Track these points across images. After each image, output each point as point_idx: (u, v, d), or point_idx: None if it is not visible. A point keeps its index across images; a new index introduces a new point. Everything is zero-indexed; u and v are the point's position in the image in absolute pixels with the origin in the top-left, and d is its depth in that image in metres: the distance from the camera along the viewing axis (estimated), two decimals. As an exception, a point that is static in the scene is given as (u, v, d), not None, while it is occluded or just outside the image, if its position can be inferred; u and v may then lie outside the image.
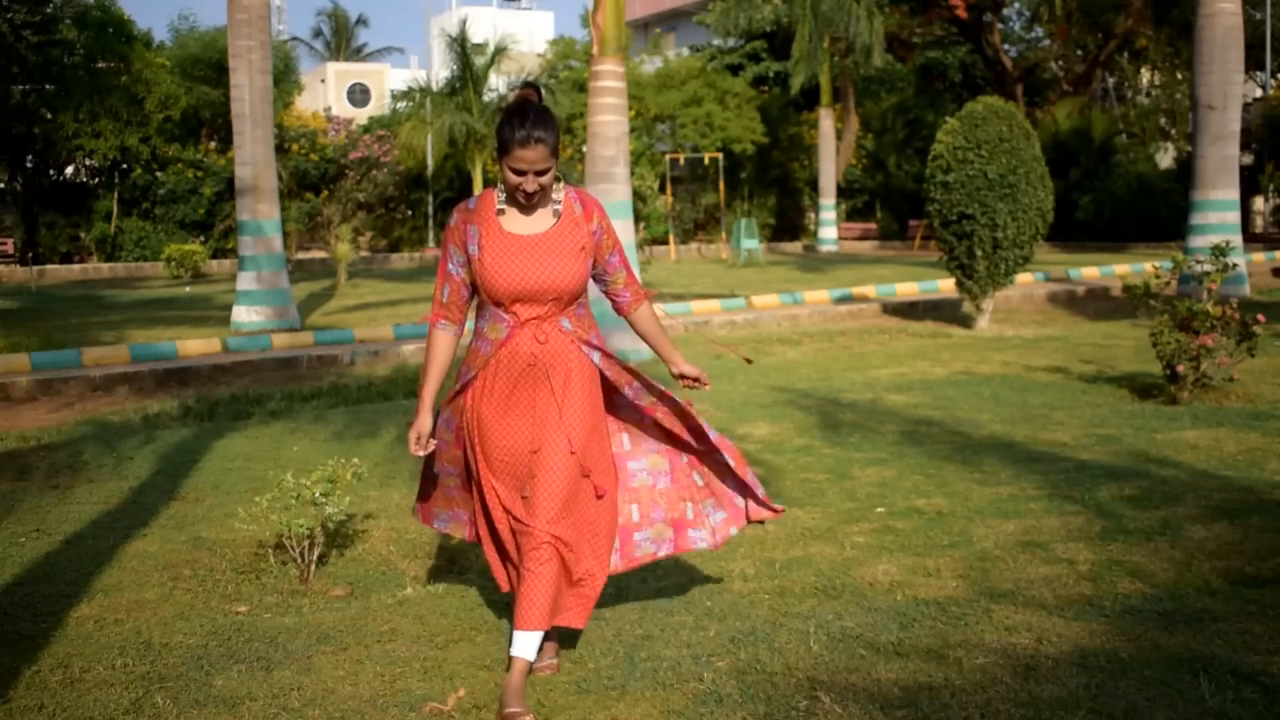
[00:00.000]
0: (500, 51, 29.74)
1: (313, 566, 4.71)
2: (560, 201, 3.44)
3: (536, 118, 3.30)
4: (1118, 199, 29.63)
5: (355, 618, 4.25)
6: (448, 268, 3.47)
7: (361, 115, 41.13)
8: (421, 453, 3.46)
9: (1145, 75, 37.63)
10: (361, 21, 59.53)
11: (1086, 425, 7.31)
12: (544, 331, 3.40)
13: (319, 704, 3.47)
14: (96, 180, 30.10)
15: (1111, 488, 5.64)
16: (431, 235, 33.25)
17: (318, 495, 4.67)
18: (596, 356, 3.50)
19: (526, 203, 3.37)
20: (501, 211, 3.42)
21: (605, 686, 3.54)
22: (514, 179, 3.34)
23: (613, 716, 3.34)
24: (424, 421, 3.48)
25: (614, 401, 3.67)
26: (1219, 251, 8.19)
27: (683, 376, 3.71)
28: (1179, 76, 34.13)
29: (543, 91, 3.77)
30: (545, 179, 3.34)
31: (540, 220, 3.43)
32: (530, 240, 3.38)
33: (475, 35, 31.49)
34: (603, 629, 4.04)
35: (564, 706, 3.42)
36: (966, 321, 13.83)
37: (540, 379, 3.41)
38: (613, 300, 3.65)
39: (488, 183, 30.45)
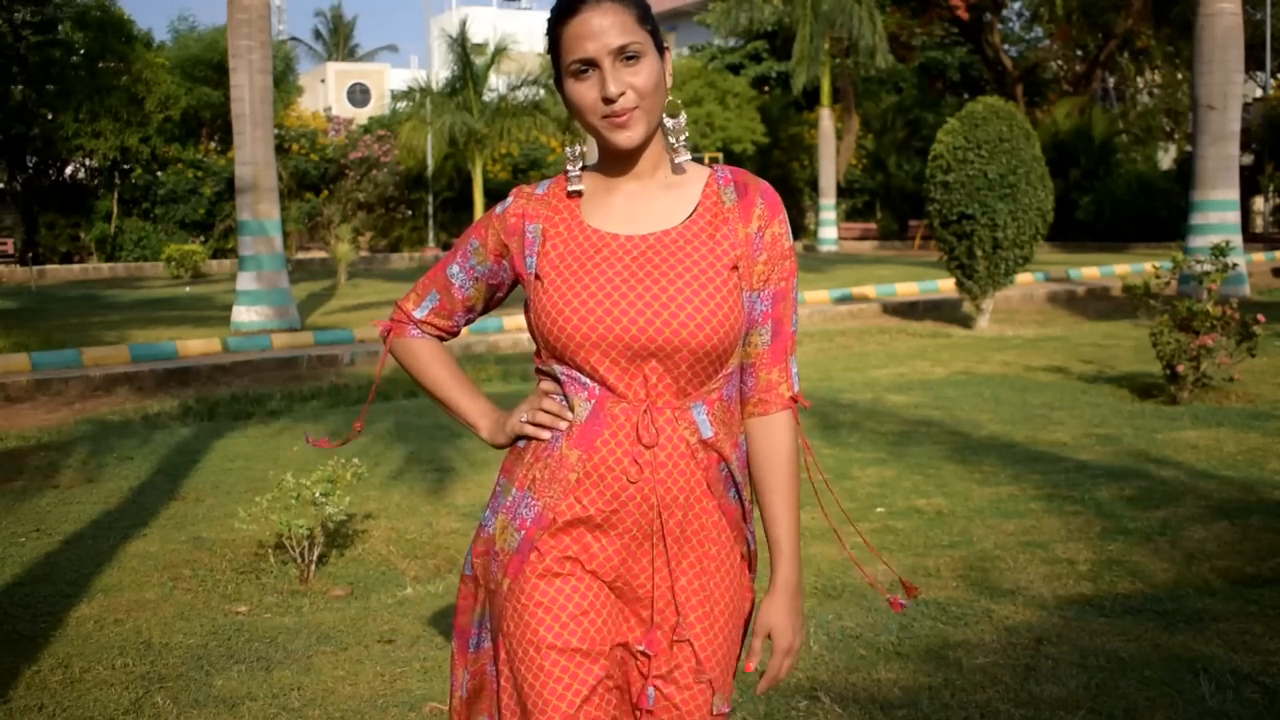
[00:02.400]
0: (500, 51, 29.72)
1: (313, 566, 4.71)
2: (683, 169, 1.88)
3: None
4: (1118, 199, 29.62)
5: (355, 618, 4.25)
6: (449, 271, 1.95)
7: (361, 115, 41.12)
8: (547, 414, 1.83)
9: (1146, 75, 37.62)
10: (348, 24, 59.41)
11: (1086, 425, 7.30)
12: (655, 427, 1.78)
13: (319, 704, 3.47)
14: (96, 180, 30.10)
15: (1111, 488, 5.64)
16: (431, 235, 33.25)
17: (318, 495, 4.67)
18: (736, 499, 1.89)
19: (618, 130, 1.78)
20: (577, 193, 1.88)
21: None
22: (585, 92, 1.79)
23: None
24: (494, 413, 1.97)
25: None
26: (1219, 252, 8.19)
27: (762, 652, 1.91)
28: (1179, 76, 34.13)
29: None
30: (640, 76, 1.77)
31: (666, 204, 1.85)
32: (640, 245, 1.80)
33: (475, 35, 31.48)
34: (603, 629, 4.04)
35: (564, 706, 3.42)
36: (966, 321, 13.83)
37: (643, 526, 1.80)
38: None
39: (488, 183, 30.51)
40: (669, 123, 1.85)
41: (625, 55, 1.77)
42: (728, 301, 1.77)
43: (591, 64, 1.77)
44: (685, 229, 1.81)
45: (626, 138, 1.79)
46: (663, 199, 1.85)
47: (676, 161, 1.86)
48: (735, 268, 1.80)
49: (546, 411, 1.83)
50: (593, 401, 1.79)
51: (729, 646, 1.86)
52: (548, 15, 1.87)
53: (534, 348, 1.88)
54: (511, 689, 1.78)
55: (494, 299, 1.97)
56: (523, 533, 1.80)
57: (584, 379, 1.79)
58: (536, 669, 1.74)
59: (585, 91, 1.78)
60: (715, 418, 1.81)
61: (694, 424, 1.79)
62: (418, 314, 1.99)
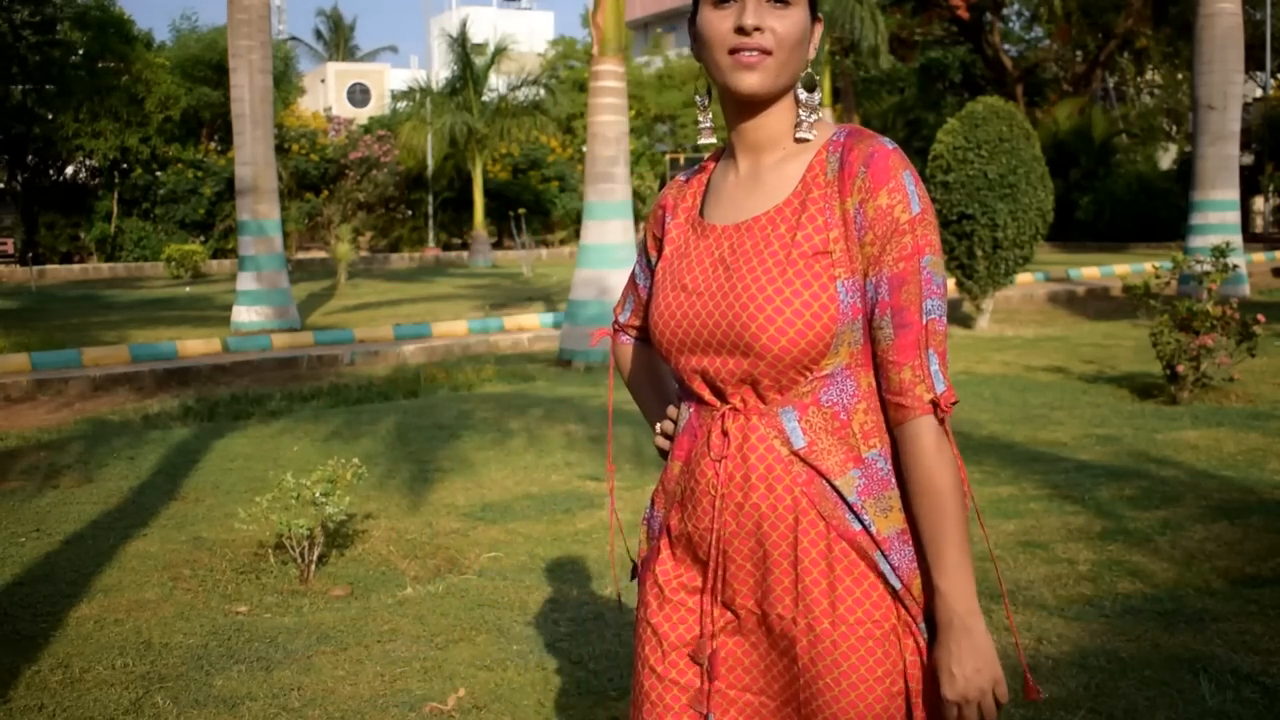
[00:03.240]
0: (500, 51, 29.75)
1: (313, 566, 4.71)
2: (810, 135, 1.63)
3: None
4: (1118, 199, 29.63)
5: (355, 618, 4.25)
6: (634, 272, 1.90)
7: (361, 115, 41.16)
8: (662, 432, 1.81)
9: (1146, 75, 37.62)
10: (348, 24, 59.45)
11: (1086, 425, 7.31)
12: (744, 435, 1.60)
13: (319, 704, 3.47)
14: (96, 180, 30.12)
15: (1111, 488, 5.64)
16: (431, 235, 33.25)
17: (318, 495, 4.67)
18: (856, 523, 1.57)
19: (752, 63, 1.56)
20: (703, 169, 1.77)
21: (605, 687, 3.54)
22: (717, 21, 1.58)
23: (612, 716, 3.34)
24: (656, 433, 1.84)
25: None
26: (1219, 252, 8.19)
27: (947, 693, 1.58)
28: (1179, 77, 34.13)
29: None
30: (785, 26, 1.55)
31: (774, 184, 1.64)
32: (729, 235, 1.65)
33: (475, 35, 31.51)
34: (603, 630, 4.04)
35: (564, 706, 3.42)
36: (966, 321, 13.83)
37: (747, 548, 1.61)
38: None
39: (488, 183, 30.50)
40: (803, 95, 1.62)
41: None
42: (806, 293, 1.54)
43: None
44: (776, 213, 1.60)
45: (751, 82, 1.56)
46: (772, 178, 1.64)
47: (798, 136, 1.62)
48: (827, 252, 1.56)
49: (666, 433, 1.78)
50: (690, 409, 1.67)
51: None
52: None
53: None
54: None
55: None
56: (651, 541, 1.74)
57: (689, 386, 1.66)
58: (638, 683, 1.70)
59: (719, 21, 1.56)
60: (810, 425, 1.56)
61: (783, 433, 1.57)
62: (622, 318, 1.93)
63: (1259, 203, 32.12)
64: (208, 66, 29.29)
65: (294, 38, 53.12)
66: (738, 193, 1.66)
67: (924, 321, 1.55)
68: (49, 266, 27.88)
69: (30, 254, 28.47)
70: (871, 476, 1.57)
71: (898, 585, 1.56)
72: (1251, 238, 25.89)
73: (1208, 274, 8.31)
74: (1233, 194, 15.80)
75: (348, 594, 4.57)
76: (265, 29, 13.94)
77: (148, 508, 5.86)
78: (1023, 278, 16.26)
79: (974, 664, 1.55)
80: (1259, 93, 33.19)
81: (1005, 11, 35.36)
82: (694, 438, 1.65)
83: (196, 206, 29.57)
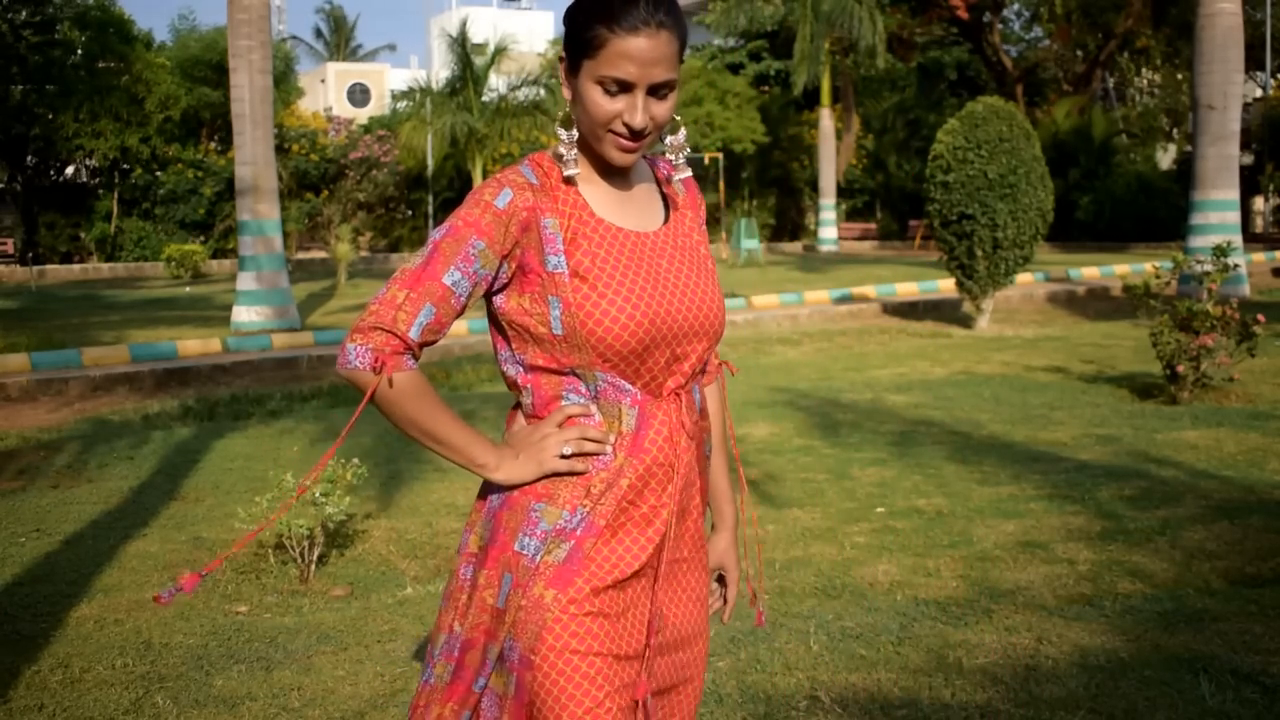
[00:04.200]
0: (500, 51, 29.73)
1: (313, 566, 4.71)
2: (646, 167, 1.89)
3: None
4: (1118, 199, 29.63)
5: (355, 618, 4.25)
6: (445, 280, 1.70)
7: (362, 115, 41.13)
8: (590, 441, 1.75)
9: (1146, 75, 37.62)
10: (349, 24, 59.44)
11: (1086, 425, 7.31)
12: (687, 415, 1.81)
13: (319, 704, 3.47)
14: (96, 180, 30.12)
15: (1111, 488, 5.64)
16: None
17: (318, 495, 4.67)
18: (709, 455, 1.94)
19: (620, 156, 1.74)
20: (572, 181, 1.78)
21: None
22: (606, 105, 1.70)
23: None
24: (511, 448, 1.78)
25: None
26: (1220, 252, 8.19)
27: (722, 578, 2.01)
28: (1179, 77, 34.13)
29: None
30: (663, 109, 1.73)
31: (647, 201, 1.85)
32: (651, 243, 1.79)
33: (475, 35, 31.49)
34: (603, 629, 4.03)
35: (564, 706, 3.42)
36: (966, 321, 13.83)
37: (676, 510, 1.80)
38: None
39: (488, 183, 30.46)
40: (669, 140, 1.84)
41: (660, 92, 1.72)
42: (718, 288, 1.85)
43: (627, 87, 1.70)
44: (675, 223, 1.84)
45: (627, 160, 1.76)
46: (641, 194, 1.85)
47: (677, 179, 1.89)
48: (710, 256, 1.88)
49: (591, 440, 1.73)
50: (637, 407, 1.75)
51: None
52: (591, 9, 1.71)
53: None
54: (523, 694, 1.70)
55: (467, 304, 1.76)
56: (571, 543, 1.72)
57: (626, 385, 1.74)
58: (571, 671, 1.68)
59: (607, 105, 1.70)
60: (701, 393, 1.88)
61: (693, 403, 1.83)
62: (413, 335, 1.70)
63: (1259, 203, 32.13)
64: (208, 66, 29.27)
65: (294, 37, 53.16)
66: (623, 203, 1.80)
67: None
68: (49, 266, 27.88)
69: (30, 254, 28.47)
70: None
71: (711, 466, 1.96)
72: (1251, 238, 25.89)
73: (1208, 274, 8.30)
74: (1233, 194, 15.80)
75: (348, 594, 4.57)
76: (265, 29, 13.94)
77: (148, 508, 5.86)
78: (1023, 278, 16.26)
79: (722, 552, 1.99)
80: (1259, 93, 33.19)
81: (1005, 11, 35.36)
82: (646, 430, 1.74)
83: (196, 206, 29.56)
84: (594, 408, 1.75)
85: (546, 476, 1.74)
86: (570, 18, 1.73)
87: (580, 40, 1.70)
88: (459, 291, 1.71)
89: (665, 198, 1.87)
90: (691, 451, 1.80)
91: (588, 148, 1.78)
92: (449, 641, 1.80)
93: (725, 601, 1.99)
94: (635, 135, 1.72)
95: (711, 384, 1.95)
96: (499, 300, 1.78)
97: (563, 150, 1.76)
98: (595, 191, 1.79)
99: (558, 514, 1.73)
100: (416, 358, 1.73)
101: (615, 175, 1.81)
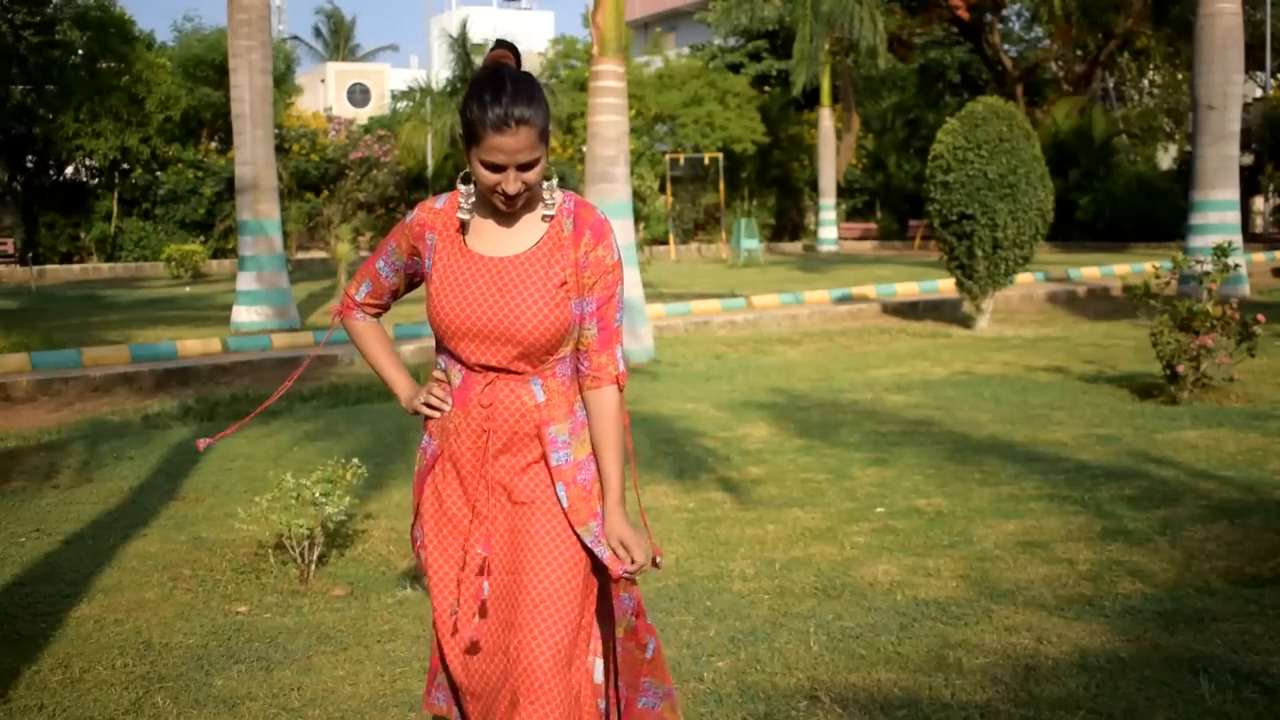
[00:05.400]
0: (500, 51, 29.70)
1: (313, 566, 4.72)
2: (553, 210, 2.46)
3: (516, 89, 2.33)
4: (1118, 199, 29.62)
5: (355, 618, 4.26)
6: (377, 265, 2.61)
7: (362, 115, 41.12)
8: (435, 399, 2.53)
9: (1146, 75, 37.61)
10: (348, 24, 59.40)
11: (1086, 425, 7.31)
12: (493, 392, 2.44)
13: (319, 704, 3.47)
14: (96, 180, 30.11)
15: (1111, 488, 5.64)
16: (431, 235, 33.20)
17: (318, 495, 4.67)
18: (557, 458, 2.46)
19: (507, 209, 2.41)
20: (465, 224, 2.47)
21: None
22: (489, 177, 2.35)
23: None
24: (410, 389, 2.64)
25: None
26: (1220, 252, 8.19)
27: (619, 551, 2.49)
28: (1179, 77, 34.12)
29: (520, 52, 2.57)
30: (531, 175, 2.36)
31: (521, 235, 2.46)
32: (497, 265, 2.43)
33: (475, 35, 31.50)
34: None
35: (564, 706, 3.42)
36: (966, 321, 13.83)
37: (496, 458, 2.47)
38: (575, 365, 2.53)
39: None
40: (544, 184, 2.44)
41: (526, 166, 2.35)
42: (555, 308, 2.40)
43: (501, 168, 2.34)
44: (532, 254, 2.44)
45: (510, 211, 2.43)
46: (523, 229, 2.46)
47: (544, 215, 2.47)
48: (564, 283, 2.42)
49: (435, 397, 2.52)
50: (462, 373, 2.49)
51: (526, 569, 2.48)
52: (472, 110, 2.34)
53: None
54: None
55: (412, 284, 2.62)
56: (423, 458, 2.60)
57: (455, 355, 2.48)
58: (428, 544, 2.57)
59: (489, 176, 2.36)
60: (548, 388, 2.46)
61: (531, 392, 2.45)
62: (358, 297, 2.65)
63: (1259, 203, 32.12)
64: (210, 66, 29.26)
65: (294, 37, 53.10)
66: (499, 235, 2.46)
67: (616, 326, 2.50)
68: (49, 266, 27.87)
69: (30, 254, 28.46)
70: (576, 423, 2.49)
71: (566, 504, 2.45)
72: (1251, 238, 25.89)
73: (1208, 274, 8.31)
74: (1233, 194, 15.80)
75: (348, 594, 4.57)
76: (265, 29, 13.94)
77: (148, 508, 5.86)
78: (1023, 278, 16.27)
79: (640, 536, 2.48)
80: (1259, 93, 33.17)
81: (1005, 11, 35.34)
82: (466, 392, 2.48)
83: (196, 206, 29.55)
84: (451, 375, 2.51)
85: (416, 413, 2.59)
86: (461, 112, 2.37)
87: (468, 132, 2.35)
88: (384, 274, 2.61)
89: (546, 231, 2.46)
90: (508, 419, 2.44)
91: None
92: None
93: (634, 562, 2.46)
94: (510, 199, 2.39)
95: (599, 389, 2.49)
96: None
97: (461, 200, 2.47)
98: (478, 222, 2.48)
99: (424, 436, 2.60)
100: (370, 314, 2.67)
101: (499, 213, 2.46)
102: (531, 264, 2.42)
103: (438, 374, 2.55)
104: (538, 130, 2.34)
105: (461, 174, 2.45)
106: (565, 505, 2.45)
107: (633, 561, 2.46)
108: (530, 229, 2.46)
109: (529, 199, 2.44)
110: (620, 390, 2.50)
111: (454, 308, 2.42)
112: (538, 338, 2.39)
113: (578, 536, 2.45)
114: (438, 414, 2.53)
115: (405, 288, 2.63)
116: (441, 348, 2.53)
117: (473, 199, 2.46)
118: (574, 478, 2.46)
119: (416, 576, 4.75)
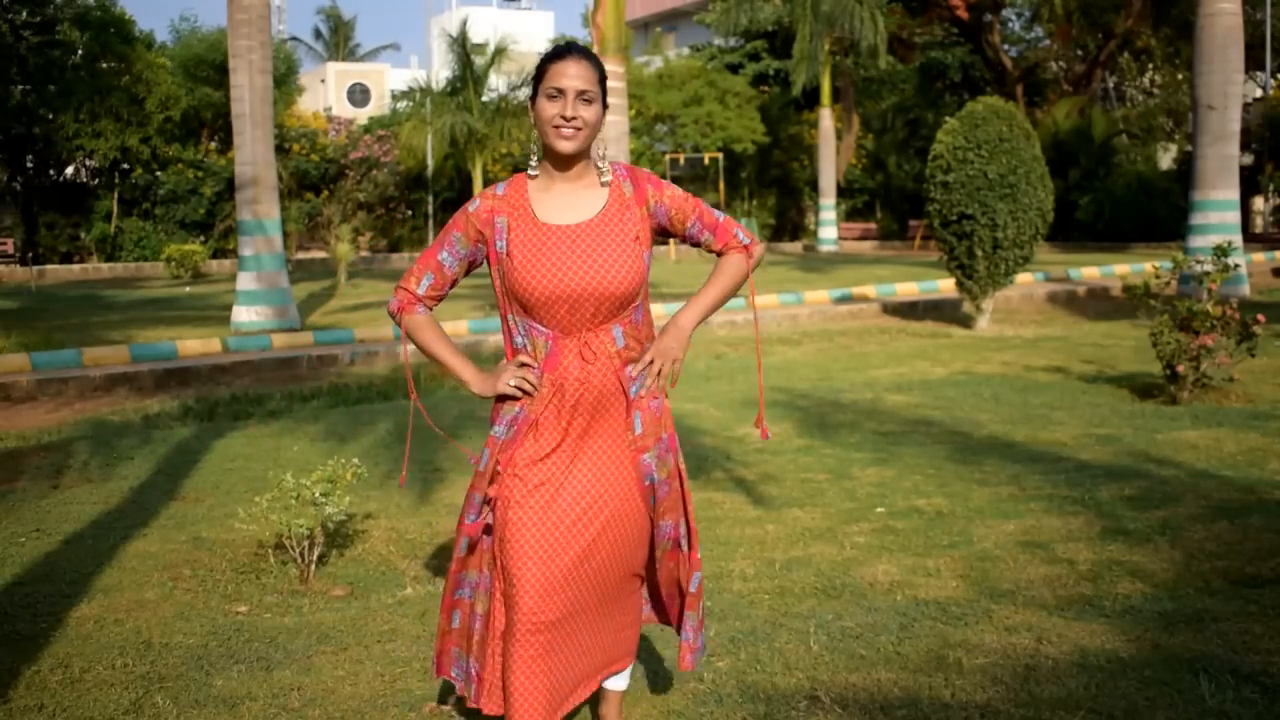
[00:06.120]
0: (500, 51, 29.73)
1: (313, 566, 4.71)
2: (609, 176, 2.77)
3: (582, 49, 2.75)
4: (1118, 199, 29.62)
5: (355, 618, 4.25)
6: (439, 257, 2.80)
7: (362, 115, 41.13)
8: (527, 382, 2.74)
9: (1146, 75, 37.61)
10: (348, 24, 59.38)
11: (1086, 425, 7.31)
12: (590, 347, 2.71)
13: (319, 704, 3.47)
14: (96, 180, 30.11)
15: (1111, 488, 5.64)
16: (431, 235, 33.21)
17: (318, 495, 4.67)
18: (635, 388, 2.76)
19: (568, 143, 2.66)
20: (533, 177, 2.77)
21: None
22: (549, 107, 2.65)
23: (613, 716, 3.33)
24: (481, 374, 2.83)
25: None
26: (1220, 252, 8.19)
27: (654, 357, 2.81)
28: (1179, 77, 34.12)
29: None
30: (590, 112, 2.67)
31: (584, 205, 2.74)
32: (574, 231, 2.69)
33: (475, 35, 31.47)
34: (603, 629, 4.03)
35: (564, 706, 3.42)
36: (966, 321, 13.83)
37: (592, 413, 2.73)
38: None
39: (488, 183, 30.42)
40: (597, 151, 2.78)
41: (583, 96, 2.67)
42: (634, 261, 2.70)
43: (561, 92, 2.66)
44: (603, 216, 2.73)
45: (567, 145, 2.67)
46: (587, 198, 2.75)
47: (601, 181, 2.77)
48: (638, 238, 2.72)
49: (527, 380, 2.71)
50: (550, 342, 2.72)
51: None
52: (540, 59, 2.74)
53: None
54: (500, 543, 2.70)
55: (468, 271, 2.85)
56: (515, 427, 2.74)
57: (541, 327, 2.72)
58: (511, 515, 2.69)
59: (550, 107, 2.67)
60: (627, 336, 2.75)
61: (613, 338, 2.73)
62: (419, 291, 2.82)
63: (1259, 203, 32.12)
64: (210, 66, 29.27)
65: (294, 38, 53.13)
66: (564, 204, 2.74)
67: (722, 219, 2.89)
68: (49, 266, 27.87)
69: (30, 254, 28.47)
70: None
71: (639, 430, 2.76)
72: (1251, 238, 25.89)
73: (1208, 274, 8.30)
74: (1233, 194, 15.80)
75: (348, 594, 4.57)
76: (265, 29, 13.94)
77: (148, 508, 5.86)
78: (1023, 278, 16.27)
79: (671, 341, 2.79)
80: (1259, 93, 33.17)
81: (1005, 11, 35.34)
82: (558, 357, 2.71)
83: (196, 206, 29.55)
84: (537, 347, 2.73)
85: (500, 395, 2.76)
86: (534, 77, 2.72)
87: (536, 77, 2.71)
88: (447, 264, 2.81)
89: (608, 197, 2.75)
90: (603, 370, 2.71)
91: (549, 156, 2.74)
92: (470, 495, 2.80)
93: (653, 368, 2.77)
94: (569, 124, 2.65)
95: (728, 254, 2.88)
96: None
97: (531, 161, 2.77)
98: (544, 196, 2.75)
99: (513, 409, 2.75)
100: (428, 307, 2.85)
101: (564, 179, 2.75)
102: (606, 225, 2.72)
103: (523, 357, 2.75)
104: (595, 73, 2.70)
105: (533, 148, 2.78)
106: (638, 431, 2.75)
107: (651, 366, 2.76)
108: (594, 196, 2.76)
109: (584, 166, 2.76)
110: (749, 257, 2.88)
111: (543, 276, 2.66)
112: (624, 290, 2.68)
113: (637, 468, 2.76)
114: (521, 395, 2.72)
115: (463, 276, 2.85)
116: (519, 325, 2.75)
117: (535, 161, 2.76)
118: (647, 404, 2.77)
119: (417, 576, 4.76)
